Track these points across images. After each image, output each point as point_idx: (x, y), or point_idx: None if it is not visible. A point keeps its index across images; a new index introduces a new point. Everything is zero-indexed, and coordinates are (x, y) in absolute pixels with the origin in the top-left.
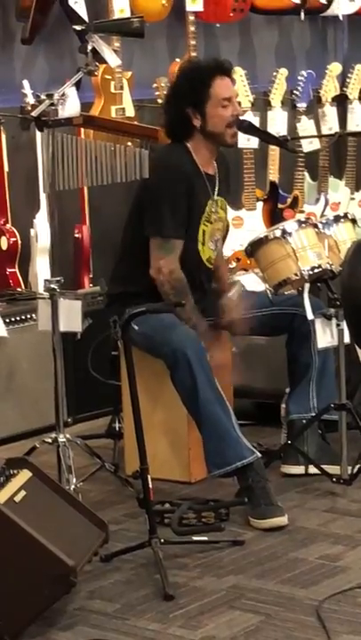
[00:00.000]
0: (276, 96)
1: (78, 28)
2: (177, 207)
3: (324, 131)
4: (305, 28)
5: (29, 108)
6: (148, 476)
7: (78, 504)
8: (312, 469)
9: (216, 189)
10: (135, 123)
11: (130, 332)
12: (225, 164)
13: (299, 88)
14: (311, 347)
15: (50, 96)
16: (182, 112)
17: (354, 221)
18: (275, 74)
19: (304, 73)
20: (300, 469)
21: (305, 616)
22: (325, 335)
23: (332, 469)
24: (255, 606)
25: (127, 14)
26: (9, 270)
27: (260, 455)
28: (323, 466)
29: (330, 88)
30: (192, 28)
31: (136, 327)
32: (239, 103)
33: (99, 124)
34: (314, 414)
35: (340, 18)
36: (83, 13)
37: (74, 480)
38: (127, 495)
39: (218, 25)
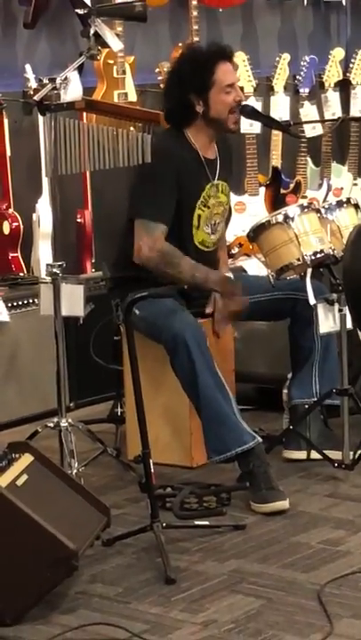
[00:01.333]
0: (279, 81)
1: (81, 11)
2: (164, 194)
3: (327, 116)
4: (308, 13)
5: (32, 93)
6: (150, 461)
7: (80, 488)
8: (314, 455)
9: (217, 173)
10: (137, 107)
11: (132, 316)
12: (227, 145)
13: (301, 73)
14: (314, 332)
15: (52, 80)
16: (185, 98)
17: (356, 206)
18: (277, 59)
19: (307, 58)
20: (302, 454)
21: (306, 600)
22: (328, 320)
23: (334, 455)
24: (256, 590)
25: None
26: (11, 255)
27: (260, 440)
28: (325, 451)
29: (333, 73)
30: (195, 13)
31: (137, 312)
32: (241, 88)
33: (101, 109)
34: (316, 399)
35: (343, 3)
36: None
37: (76, 464)
38: (129, 480)
39: (220, 10)
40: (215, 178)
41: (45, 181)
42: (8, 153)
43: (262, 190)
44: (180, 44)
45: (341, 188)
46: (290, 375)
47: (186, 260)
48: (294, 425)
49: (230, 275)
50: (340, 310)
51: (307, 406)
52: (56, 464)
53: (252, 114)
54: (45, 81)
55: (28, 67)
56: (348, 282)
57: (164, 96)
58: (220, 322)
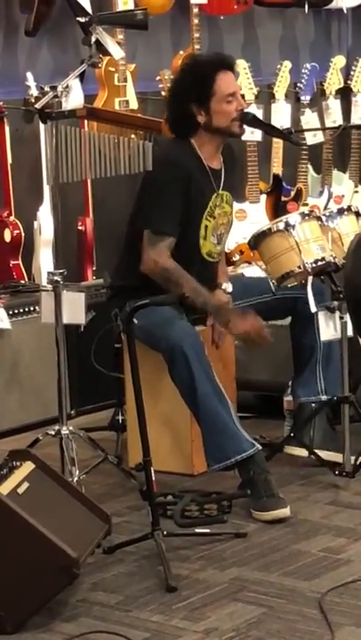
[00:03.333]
0: (280, 89)
1: (82, 19)
2: (172, 204)
3: (328, 123)
4: (309, 21)
5: (33, 101)
6: (151, 469)
7: (81, 496)
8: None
9: (221, 183)
10: (139, 115)
11: (131, 325)
12: (232, 155)
13: (303, 81)
14: (315, 329)
15: (53, 88)
16: (186, 109)
17: (358, 214)
18: (279, 66)
19: (308, 66)
20: (303, 452)
21: (307, 608)
22: (328, 328)
23: (337, 457)
24: (258, 598)
25: (131, 6)
26: (12, 262)
27: (260, 447)
28: (328, 452)
29: (334, 81)
30: (196, 21)
31: (136, 321)
32: (243, 96)
33: (102, 117)
34: (322, 397)
35: (345, 11)
36: (86, 5)
37: (77, 472)
38: (130, 487)
39: (222, 17)
40: (220, 188)
41: (47, 189)
42: (9, 161)
43: (263, 198)
44: (182, 52)
45: (342, 196)
46: (290, 382)
47: (190, 281)
48: (300, 424)
49: (229, 287)
50: (341, 318)
51: (313, 405)
52: (57, 472)
53: (253, 121)
54: (47, 89)
55: (29, 74)
56: (349, 291)
57: (167, 107)
58: (218, 333)
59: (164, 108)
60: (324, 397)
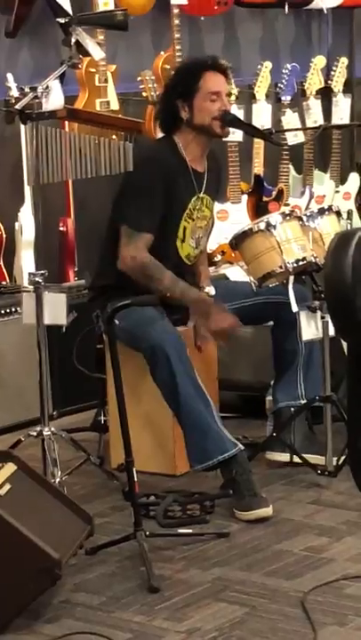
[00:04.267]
0: (261, 89)
1: (62, 20)
2: (150, 201)
3: (309, 124)
4: (289, 21)
5: (13, 102)
6: (134, 469)
7: (63, 497)
8: (297, 458)
9: (203, 187)
10: (119, 116)
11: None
12: (217, 163)
13: (283, 81)
14: (297, 334)
15: (34, 89)
16: (172, 104)
17: (338, 214)
18: (259, 67)
19: (288, 66)
20: (285, 457)
21: (290, 608)
22: (310, 327)
23: (318, 459)
24: (240, 598)
25: (111, 7)
26: None
27: (242, 447)
28: (309, 455)
29: (314, 81)
30: (176, 22)
31: (117, 322)
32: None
33: (83, 117)
34: (302, 402)
35: (325, 11)
36: (67, 6)
37: (59, 473)
38: (112, 488)
39: (202, 18)
40: (201, 191)
41: (27, 190)
42: None
43: (245, 198)
44: (163, 53)
45: (324, 196)
46: (273, 380)
47: (167, 274)
48: (279, 428)
49: (212, 290)
50: (323, 317)
51: (293, 409)
52: (39, 473)
53: (233, 122)
54: (27, 90)
55: (9, 75)
56: (329, 291)
57: (157, 103)
58: (201, 337)
59: (153, 107)
60: (303, 402)
